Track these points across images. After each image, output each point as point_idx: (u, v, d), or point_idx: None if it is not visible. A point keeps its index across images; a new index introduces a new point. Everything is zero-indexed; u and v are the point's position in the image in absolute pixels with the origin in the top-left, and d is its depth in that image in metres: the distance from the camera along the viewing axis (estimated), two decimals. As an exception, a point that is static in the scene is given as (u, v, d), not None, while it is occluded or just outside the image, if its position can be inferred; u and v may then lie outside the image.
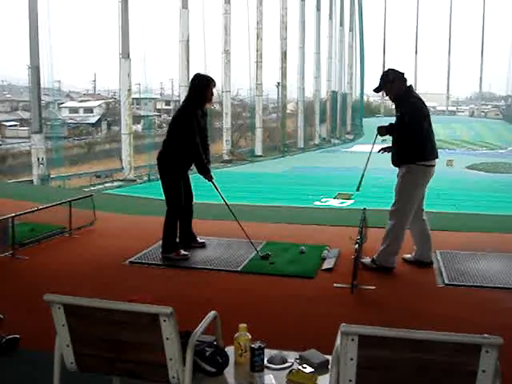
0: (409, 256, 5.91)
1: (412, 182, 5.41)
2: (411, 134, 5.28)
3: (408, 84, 5.51)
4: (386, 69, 5.67)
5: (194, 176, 6.32)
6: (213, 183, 6.15)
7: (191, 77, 6.30)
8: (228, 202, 6.31)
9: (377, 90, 5.71)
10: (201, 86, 5.94)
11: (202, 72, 6.42)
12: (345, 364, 2.18)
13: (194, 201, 6.40)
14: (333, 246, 6.38)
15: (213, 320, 2.70)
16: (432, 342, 2.10)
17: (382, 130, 5.48)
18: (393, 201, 5.53)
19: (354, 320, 2.26)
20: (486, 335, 2.07)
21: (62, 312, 2.48)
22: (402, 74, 5.52)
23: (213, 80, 6.01)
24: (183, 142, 5.86)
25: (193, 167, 6.14)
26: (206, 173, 5.99)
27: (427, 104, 5.62)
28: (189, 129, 5.78)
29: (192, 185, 6.29)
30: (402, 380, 2.19)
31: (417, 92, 5.69)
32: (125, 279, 5.53)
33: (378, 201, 15.67)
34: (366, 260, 5.67)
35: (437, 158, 5.52)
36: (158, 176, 6.20)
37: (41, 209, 6.74)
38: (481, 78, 61.12)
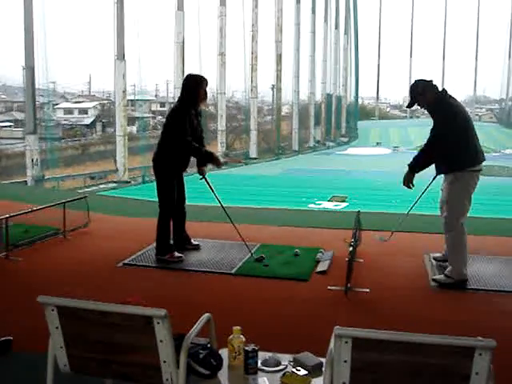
0: (438, 254, 5.90)
1: (463, 189, 5.21)
2: (451, 142, 5.08)
3: (441, 89, 5.30)
4: (413, 81, 5.43)
5: (190, 178, 6.32)
6: (206, 181, 6.22)
7: (185, 78, 6.30)
8: (223, 204, 6.32)
9: (409, 106, 5.54)
10: (193, 86, 5.93)
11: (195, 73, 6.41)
12: (338, 366, 2.18)
13: (189, 203, 6.39)
14: (327, 249, 6.39)
15: (206, 322, 2.70)
16: (426, 345, 2.10)
17: (409, 177, 5.29)
18: (445, 212, 5.32)
19: (347, 322, 2.26)
20: (479, 338, 2.08)
21: (56, 314, 2.47)
22: (431, 81, 5.36)
23: (205, 79, 6.00)
24: (176, 142, 5.85)
25: (190, 169, 6.15)
26: (211, 159, 6.01)
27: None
28: (180, 128, 5.77)
29: (186, 187, 6.28)
30: (395, 382, 2.19)
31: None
32: (119, 281, 5.52)
33: (372, 204, 15.73)
34: (439, 277, 5.43)
35: (483, 160, 5.31)
36: (153, 178, 6.20)
37: (35, 210, 6.72)
38: (475, 81, 61.12)
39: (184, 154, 5.94)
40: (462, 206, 5.27)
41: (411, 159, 5.32)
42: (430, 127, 5.23)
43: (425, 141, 5.30)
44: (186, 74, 6.31)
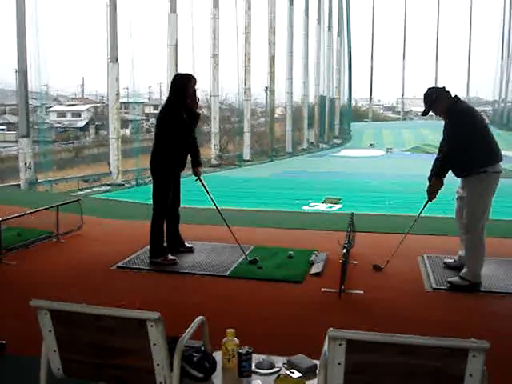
0: (451, 260, 5.87)
1: (486, 190, 5.24)
2: (468, 146, 5.10)
3: (453, 95, 5.30)
4: (426, 89, 5.43)
5: (184, 180, 6.31)
6: (201, 182, 6.21)
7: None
8: (217, 206, 6.32)
9: (424, 114, 5.55)
10: (181, 83, 5.90)
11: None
12: (332, 369, 2.18)
13: (184, 205, 6.38)
14: (321, 251, 6.39)
15: (200, 325, 2.70)
16: (419, 347, 2.10)
17: (431, 192, 5.41)
18: (465, 213, 5.35)
19: (341, 325, 2.26)
20: (472, 339, 2.08)
21: (49, 317, 2.46)
22: (443, 88, 5.39)
23: (193, 77, 5.97)
24: (173, 139, 5.83)
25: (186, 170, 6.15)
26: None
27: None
28: (177, 124, 5.77)
29: (182, 190, 6.26)
30: (389, 384, 2.19)
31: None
32: (112, 284, 5.51)
33: (366, 205, 15.74)
34: (454, 279, 5.40)
35: (501, 160, 5.30)
36: (147, 180, 6.20)
37: (28, 213, 6.70)
38: (468, 82, 61.32)
39: (185, 148, 5.94)
40: (484, 207, 5.28)
41: (434, 170, 5.44)
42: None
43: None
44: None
